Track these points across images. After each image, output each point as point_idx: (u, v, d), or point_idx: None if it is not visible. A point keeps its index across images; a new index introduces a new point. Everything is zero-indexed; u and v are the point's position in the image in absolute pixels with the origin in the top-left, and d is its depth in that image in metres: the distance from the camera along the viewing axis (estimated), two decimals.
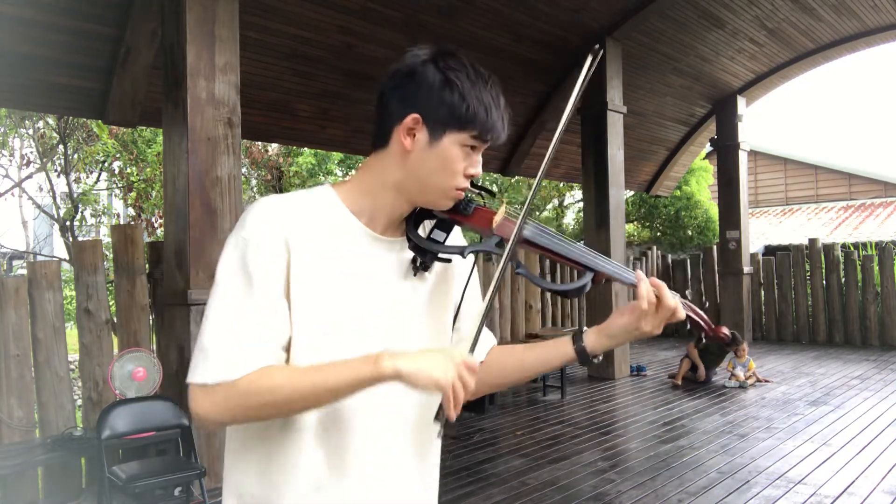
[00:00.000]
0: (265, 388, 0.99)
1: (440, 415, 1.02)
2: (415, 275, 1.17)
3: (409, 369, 0.97)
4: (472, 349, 1.06)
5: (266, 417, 1.03)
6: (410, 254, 1.16)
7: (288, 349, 1.05)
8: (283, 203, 1.08)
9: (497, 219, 1.13)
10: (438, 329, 1.22)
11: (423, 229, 1.20)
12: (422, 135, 1.08)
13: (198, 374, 1.00)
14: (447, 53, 1.10)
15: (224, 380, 0.99)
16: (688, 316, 1.16)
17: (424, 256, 1.15)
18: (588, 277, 1.10)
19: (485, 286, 1.32)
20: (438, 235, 1.18)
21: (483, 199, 1.18)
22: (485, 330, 1.31)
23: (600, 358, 1.21)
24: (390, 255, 1.15)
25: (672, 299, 1.11)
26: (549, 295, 9.03)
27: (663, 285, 1.12)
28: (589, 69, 1.06)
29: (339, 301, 1.08)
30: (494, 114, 1.09)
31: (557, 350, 1.20)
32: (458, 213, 1.16)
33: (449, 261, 1.18)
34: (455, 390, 0.98)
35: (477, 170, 1.12)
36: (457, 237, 1.23)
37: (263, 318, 1.02)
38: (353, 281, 1.09)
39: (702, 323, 1.18)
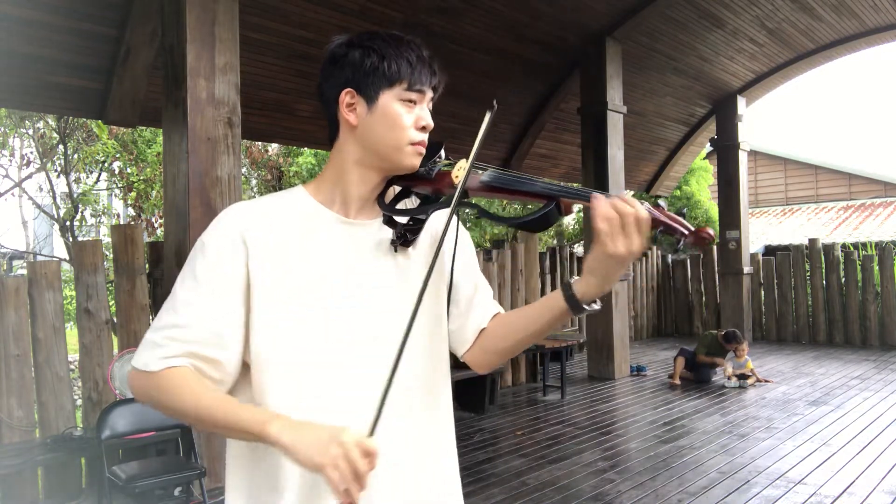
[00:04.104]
0: (176, 395, 1.04)
1: None
2: (395, 251, 1.16)
3: (289, 441, 0.95)
4: (373, 429, 0.97)
5: (174, 417, 1.09)
6: (390, 232, 1.16)
7: (225, 348, 1.07)
8: (249, 205, 1.13)
9: (455, 173, 1.12)
10: (429, 304, 1.17)
11: (405, 206, 1.20)
12: (360, 105, 1.12)
13: (135, 357, 1.08)
14: (361, 33, 1.15)
15: (145, 370, 1.06)
16: (655, 219, 0.99)
17: (394, 226, 1.14)
18: (551, 205, 1.02)
19: (493, 278, 1.28)
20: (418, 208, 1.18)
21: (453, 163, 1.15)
22: (489, 299, 1.28)
23: (597, 305, 1.09)
24: (367, 237, 1.16)
25: (627, 205, 0.97)
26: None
27: (618, 196, 0.99)
28: (488, 124, 1.05)
29: (303, 284, 1.10)
30: (418, 64, 1.12)
31: (549, 306, 1.13)
32: (425, 180, 1.16)
33: (420, 227, 1.15)
34: (341, 474, 0.90)
35: (427, 121, 1.13)
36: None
37: (198, 320, 1.06)
38: (318, 264, 1.11)
39: (674, 224, 0.99)
